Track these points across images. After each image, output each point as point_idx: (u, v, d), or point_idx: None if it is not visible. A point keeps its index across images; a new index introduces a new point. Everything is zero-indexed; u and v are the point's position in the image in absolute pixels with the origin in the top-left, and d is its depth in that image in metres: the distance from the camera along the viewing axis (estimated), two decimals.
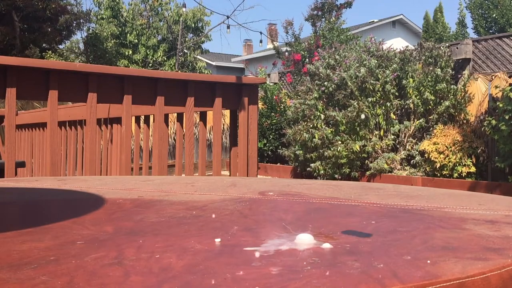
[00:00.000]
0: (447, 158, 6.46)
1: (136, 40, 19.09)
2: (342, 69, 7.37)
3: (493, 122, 5.92)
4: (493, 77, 6.97)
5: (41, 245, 0.72)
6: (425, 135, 7.20)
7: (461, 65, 7.48)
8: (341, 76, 7.26)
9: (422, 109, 7.15)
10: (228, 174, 3.51)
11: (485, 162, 6.53)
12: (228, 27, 17.61)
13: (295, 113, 7.91)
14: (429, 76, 7.05)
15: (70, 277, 0.57)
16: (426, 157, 6.77)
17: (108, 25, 18.76)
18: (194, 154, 3.16)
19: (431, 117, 7.16)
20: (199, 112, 3.16)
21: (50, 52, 16.24)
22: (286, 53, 11.85)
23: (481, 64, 7.48)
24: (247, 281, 0.54)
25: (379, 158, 7.09)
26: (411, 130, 7.24)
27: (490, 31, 19.55)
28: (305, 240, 0.71)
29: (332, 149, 7.10)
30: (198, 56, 20.39)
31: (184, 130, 3.14)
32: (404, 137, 7.29)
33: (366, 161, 7.25)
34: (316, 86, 7.70)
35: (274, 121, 9.62)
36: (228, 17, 16.75)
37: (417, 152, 7.06)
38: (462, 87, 7.05)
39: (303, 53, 11.00)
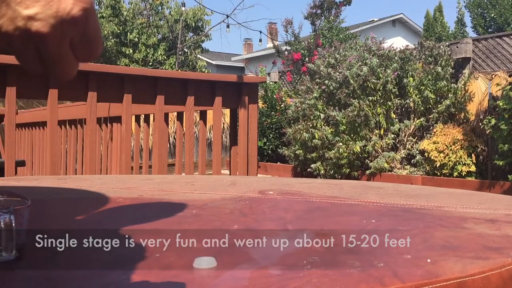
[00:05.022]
0: (447, 157, 6.45)
1: (137, 39, 19.06)
2: (344, 67, 7.36)
3: (493, 121, 5.92)
4: (493, 76, 6.97)
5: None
6: (425, 134, 7.19)
7: (461, 64, 7.47)
8: (344, 75, 7.25)
9: (422, 108, 7.14)
10: (228, 173, 3.51)
11: (485, 161, 6.52)
12: (228, 26, 17.53)
13: (295, 112, 7.91)
14: (430, 75, 7.04)
15: (70, 276, 0.57)
16: (426, 156, 6.76)
17: (108, 24, 18.73)
18: (194, 153, 3.16)
19: (431, 116, 7.16)
20: (199, 111, 3.16)
21: None
22: (286, 52, 11.83)
23: (481, 63, 7.48)
24: (247, 280, 0.54)
25: (379, 157, 7.09)
26: (411, 129, 7.24)
27: (489, 30, 19.55)
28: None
29: (333, 150, 7.09)
30: (199, 55, 20.36)
31: (184, 129, 3.14)
32: (404, 136, 7.29)
33: (366, 160, 7.25)
34: (317, 85, 7.70)
35: (274, 120, 9.61)
36: (228, 16, 16.71)
37: (417, 151, 7.06)
38: (462, 86, 7.04)
39: (303, 52, 10.99)
